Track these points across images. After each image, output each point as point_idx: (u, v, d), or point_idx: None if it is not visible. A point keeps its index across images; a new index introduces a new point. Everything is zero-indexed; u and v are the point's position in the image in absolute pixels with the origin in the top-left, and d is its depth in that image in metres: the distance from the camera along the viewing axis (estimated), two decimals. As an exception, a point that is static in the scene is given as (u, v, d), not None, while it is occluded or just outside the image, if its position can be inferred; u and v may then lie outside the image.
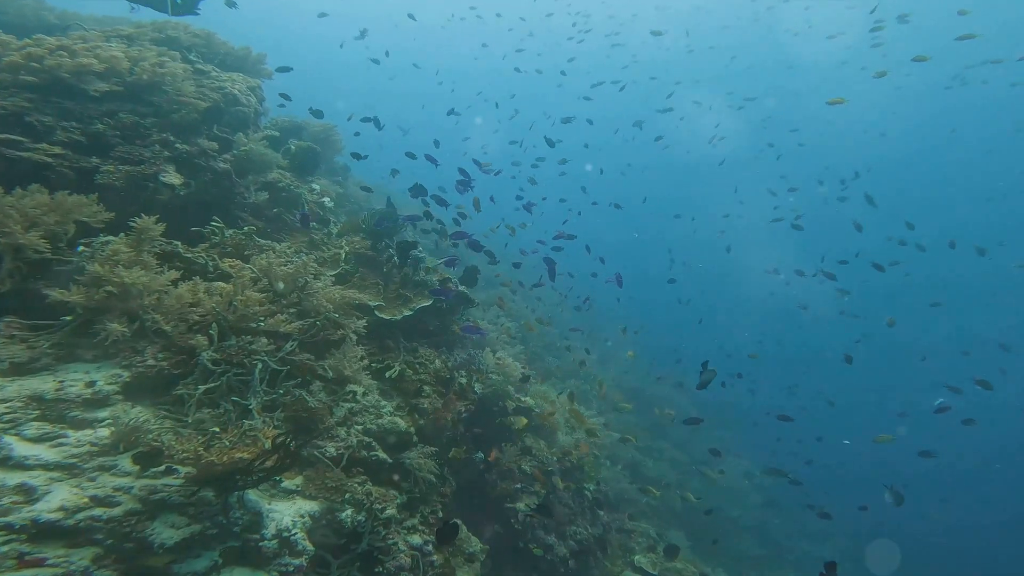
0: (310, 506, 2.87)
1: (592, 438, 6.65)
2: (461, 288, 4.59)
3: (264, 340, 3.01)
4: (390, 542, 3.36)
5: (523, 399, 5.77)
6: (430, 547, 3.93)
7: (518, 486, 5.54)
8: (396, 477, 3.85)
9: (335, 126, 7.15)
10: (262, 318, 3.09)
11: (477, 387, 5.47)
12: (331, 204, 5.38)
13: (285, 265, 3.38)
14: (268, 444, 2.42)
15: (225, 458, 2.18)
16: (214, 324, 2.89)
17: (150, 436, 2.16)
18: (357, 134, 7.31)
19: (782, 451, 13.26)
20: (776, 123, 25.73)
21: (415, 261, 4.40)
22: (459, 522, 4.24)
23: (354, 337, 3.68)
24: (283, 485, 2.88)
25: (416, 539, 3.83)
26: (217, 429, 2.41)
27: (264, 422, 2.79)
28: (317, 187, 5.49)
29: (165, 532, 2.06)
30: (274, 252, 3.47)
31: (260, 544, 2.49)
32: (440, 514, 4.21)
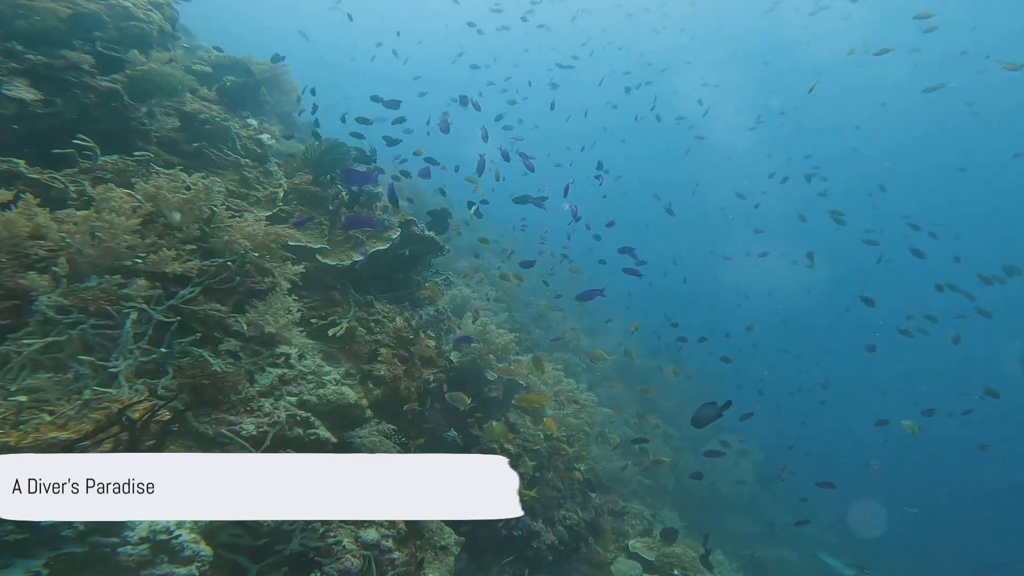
0: (209, 501, 2.12)
1: (580, 416, 6.03)
2: (429, 233, 3.82)
3: (142, 282, 2.21)
4: (331, 540, 2.66)
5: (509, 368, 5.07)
6: (390, 543, 3.25)
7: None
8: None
9: (284, 66, 6.20)
10: (141, 253, 2.28)
11: (453, 356, 4.75)
12: (272, 142, 4.51)
13: (181, 191, 2.56)
14: (133, 417, 1.67)
15: (30, 439, 1.41)
16: (62, 260, 2.08)
17: None
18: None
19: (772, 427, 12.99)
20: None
21: (369, 197, 3.60)
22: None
23: (286, 285, 2.90)
24: (171, 474, 2.13)
25: (371, 535, 3.13)
26: (24, 399, 1.63)
27: (135, 390, 2.02)
28: (253, 122, 4.60)
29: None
30: (165, 176, 2.64)
31: (119, 550, 1.75)
32: (404, 503, 3.52)
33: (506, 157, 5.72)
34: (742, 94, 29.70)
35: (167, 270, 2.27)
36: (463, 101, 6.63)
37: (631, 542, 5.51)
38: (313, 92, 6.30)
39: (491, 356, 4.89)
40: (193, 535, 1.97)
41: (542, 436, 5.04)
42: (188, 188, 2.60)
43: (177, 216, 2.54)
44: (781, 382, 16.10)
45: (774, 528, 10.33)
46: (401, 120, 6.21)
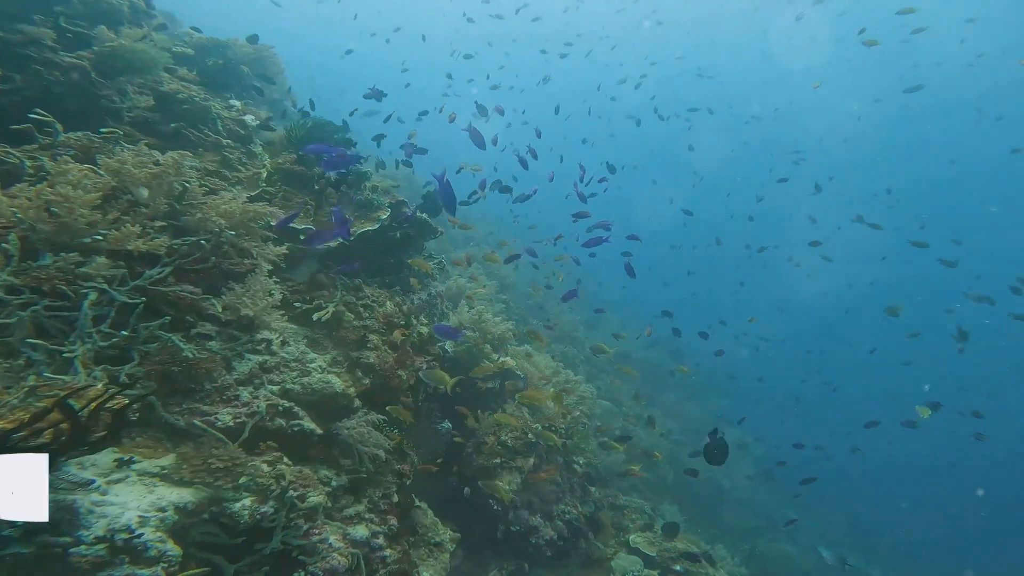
0: (179, 495, 1.95)
1: (581, 406, 5.88)
2: (422, 215, 3.65)
3: (103, 260, 2.03)
4: (315, 538, 2.49)
5: (504, 360, 4.91)
6: (380, 540, 3.09)
7: (497, 461, 4.74)
8: (335, 453, 2.98)
9: (272, 48, 5.97)
10: (103, 230, 2.10)
11: (448, 345, 4.59)
12: (256, 123, 4.31)
13: (149, 165, 2.37)
14: (79, 407, 1.49)
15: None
16: (13, 236, 1.89)
17: None
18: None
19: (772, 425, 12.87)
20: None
21: (357, 177, 3.42)
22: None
23: (267, 266, 2.72)
24: (138, 467, 1.96)
25: (361, 531, 2.98)
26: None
27: (93, 377, 1.85)
28: (237, 103, 4.40)
29: None
30: (131, 150, 2.45)
31: (71, 551, 1.58)
32: (395, 498, 3.36)
33: (524, 164, 5.41)
34: (737, 88, 29.54)
35: (130, 247, 2.08)
36: (481, 110, 6.32)
37: (631, 537, 5.38)
38: (313, 106, 6.07)
39: (487, 346, 4.73)
40: (159, 533, 1.80)
41: (540, 428, 4.89)
42: (157, 163, 2.41)
43: (145, 192, 2.35)
44: (780, 373, 16.05)
45: (774, 522, 10.25)
46: (389, 117, 5.99)
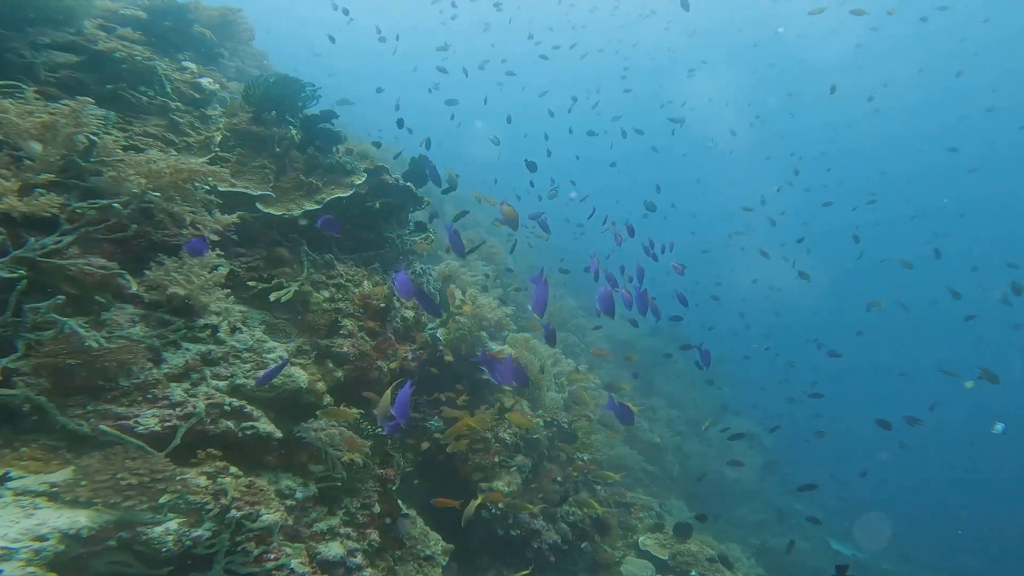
0: (69, 519, 1.49)
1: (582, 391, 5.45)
2: (406, 184, 3.18)
3: (-31, 218, 1.56)
4: (270, 564, 2.05)
5: (501, 348, 4.47)
6: (359, 558, 2.65)
7: (495, 460, 4.30)
8: (303, 458, 2.53)
9: (240, 11, 5.42)
10: (-27, 181, 1.62)
11: (440, 332, 4.13)
12: (215, 88, 3.80)
13: (40, 114, 1.89)
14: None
15: None
16: None
17: None
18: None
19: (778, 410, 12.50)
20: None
21: (327, 137, 2.94)
22: None
23: (212, 238, 2.25)
24: (16, 484, 1.50)
25: (335, 550, 2.54)
26: None
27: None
28: (191, 66, 3.89)
29: None
30: (16, 100, 1.96)
31: None
32: (377, 507, 2.92)
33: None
34: (738, 86, 28.72)
35: (3, 207, 1.60)
36: (531, 167, 5.64)
37: (641, 539, 4.97)
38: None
39: (483, 333, 4.28)
40: (32, 568, 1.34)
41: (541, 423, 4.46)
42: (53, 112, 1.93)
43: (37, 147, 1.86)
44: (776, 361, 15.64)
45: (783, 515, 9.90)
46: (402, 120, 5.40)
